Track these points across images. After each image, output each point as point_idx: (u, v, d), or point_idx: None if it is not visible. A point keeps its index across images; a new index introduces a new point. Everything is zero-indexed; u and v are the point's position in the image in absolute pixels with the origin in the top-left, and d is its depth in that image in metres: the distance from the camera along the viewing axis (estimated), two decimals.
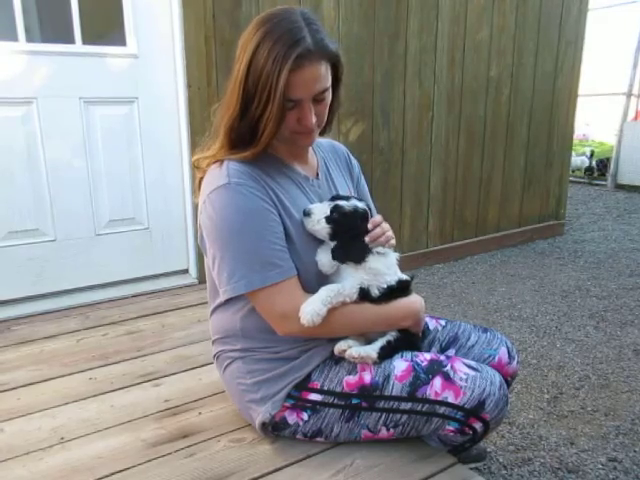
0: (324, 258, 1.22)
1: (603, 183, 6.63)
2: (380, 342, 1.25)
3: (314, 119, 1.18)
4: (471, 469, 1.60)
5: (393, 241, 1.28)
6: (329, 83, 1.19)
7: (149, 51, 2.53)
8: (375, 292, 1.22)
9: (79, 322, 2.29)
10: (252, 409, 1.33)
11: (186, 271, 2.83)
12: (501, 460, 1.73)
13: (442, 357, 1.26)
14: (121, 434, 1.43)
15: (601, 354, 2.44)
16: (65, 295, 2.51)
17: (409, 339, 1.29)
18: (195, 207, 2.67)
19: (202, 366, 1.83)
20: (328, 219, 1.20)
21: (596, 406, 2.03)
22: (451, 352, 1.41)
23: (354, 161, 1.54)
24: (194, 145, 2.59)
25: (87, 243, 2.57)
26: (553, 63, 4.07)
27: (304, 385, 1.27)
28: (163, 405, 1.57)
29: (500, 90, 3.80)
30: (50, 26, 2.64)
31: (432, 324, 1.46)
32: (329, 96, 1.21)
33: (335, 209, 1.20)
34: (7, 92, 2.29)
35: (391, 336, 1.26)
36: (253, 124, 1.16)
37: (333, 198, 1.26)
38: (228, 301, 1.28)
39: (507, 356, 1.40)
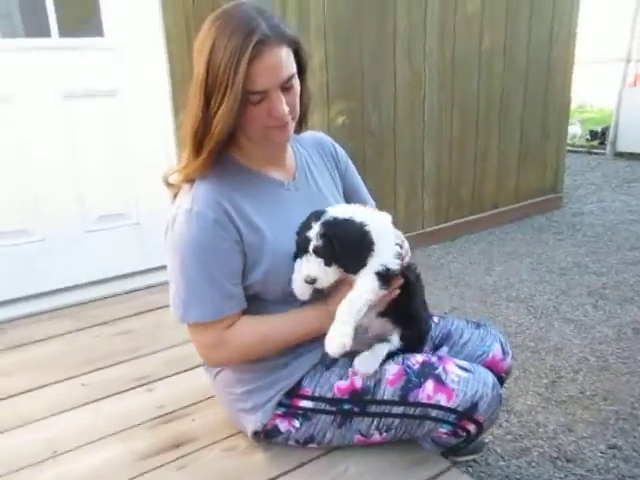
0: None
1: (601, 151, 6.54)
2: (383, 351, 1.23)
3: (286, 109, 1.12)
4: (468, 464, 1.60)
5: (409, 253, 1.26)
6: (294, 69, 1.13)
7: (128, 41, 2.44)
8: (395, 266, 1.13)
9: (70, 323, 2.27)
10: (243, 418, 1.31)
11: None
12: (499, 451, 1.72)
13: (434, 359, 1.23)
14: (114, 445, 1.41)
15: (600, 334, 2.43)
16: (56, 295, 2.48)
17: (410, 346, 1.27)
18: None
19: (196, 367, 1.80)
20: (326, 262, 1.09)
21: (595, 390, 2.02)
22: (444, 349, 1.38)
23: (339, 150, 1.47)
24: (180, 134, 2.53)
25: (76, 241, 2.53)
26: (548, 32, 3.96)
27: (295, 392, 1.25)
28: (156, 411, 1.55)
29: (493, 64, 3.70)
30: (25, 19, 2.55)
31: None
32: (297, 84, 1.16)
33: (317, 251, 1.09)
34: None
35: (394, 345, 1.24)
36: (210, 122, 1.10)
37: (298, 234, 1.14)
38: None
39: (501, 352, 1.38)
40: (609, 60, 7.48)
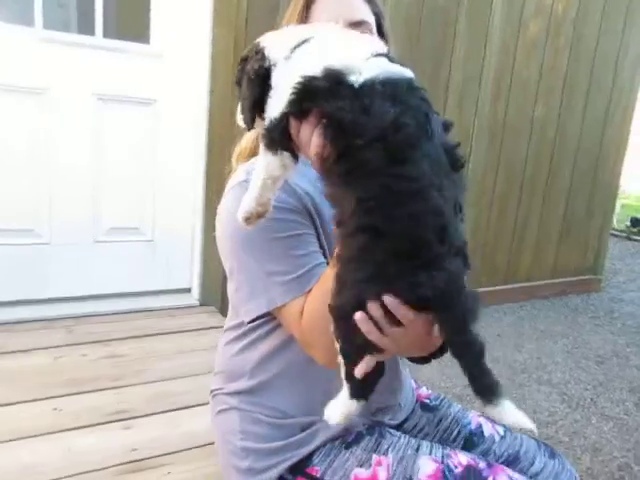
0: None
1: None
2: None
3: None
4: None
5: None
6: (372, 21, 0.97)
7: (174, 51, 2.35)
8: (279, 109, 0.68)
9: (61, 336, 2.07)
10: (234, 476, 1.06)
11: (188, 290, 2.61)
12: None
13: (482, 464, 0.96)
14: None
15: None
16: (52, 303, 2.29)
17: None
18: (206, 222, 2.48)
19: (183, 408, 1.59)
20: None
21: None
22: None
23: None
24: (211, 155, 2.39)
25: (84, 250, 2.37)
26: (604, 109, 3.80)
27: (301, 468, 0.98)
28: (128, 456, 1.33)
29: (545, 131, 3.54)
30: (70, 14, 2.49)
31: (487, 430, 1.12)
32: None
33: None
34: (17, 80, 2.13)
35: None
36: None
37: None
38: (241, 335, 1.03)
39: None
40: None
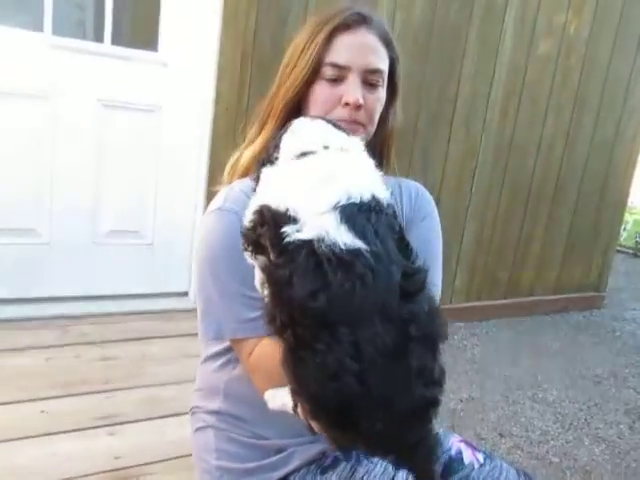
0: None
1: None
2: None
3: (361, 100, 0.91)
4: None
5: None
6: (386, 68, 0.96)
7: (180, 61, 2.37)
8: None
9: (55, 336, 2.09)
10: None
11: (185, 294, 2.63)
12: None
13: None
14: None
15: (636, 463, 2.10)
16: (49, 303, 2.32)
17: None
18: None
19: (171, 416, 1.60)
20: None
21: None
22: None
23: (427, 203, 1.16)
24: (213, 164, 2.40)
25: (83, 251, 2.39)
26: (614, 129, 3.77)
27: None
28: (110, 464, 1.34)
29: (553, 148, 3.52)
30: (87, 17, 2.52)
31: (467, 456, 1.08)
32: (383, 93, 0.97)
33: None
34: (23, 83, 2.16)
35: None
36: (278, 91, 0.98)
37: None
38: (217, 353, 1.03)
39: None
40: None
